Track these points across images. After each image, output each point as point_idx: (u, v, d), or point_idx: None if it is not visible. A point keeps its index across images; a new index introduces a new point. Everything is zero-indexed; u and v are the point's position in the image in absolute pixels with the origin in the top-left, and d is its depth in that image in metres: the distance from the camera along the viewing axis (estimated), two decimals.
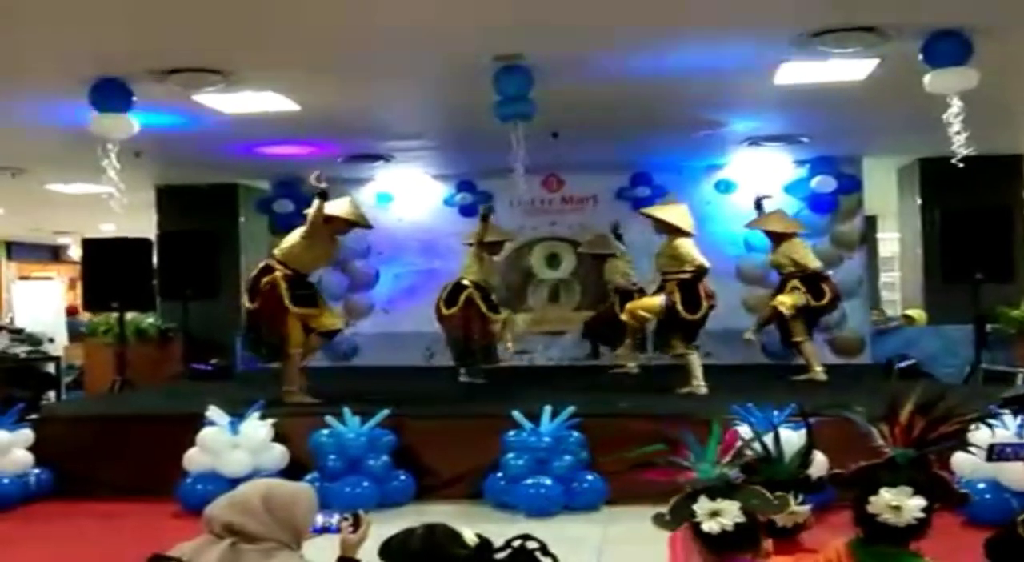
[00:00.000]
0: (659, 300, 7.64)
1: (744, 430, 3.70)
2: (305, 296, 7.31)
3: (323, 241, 7.38)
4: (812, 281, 8.43)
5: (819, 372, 8.42)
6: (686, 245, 7.61)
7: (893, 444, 2.70)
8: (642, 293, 8.86)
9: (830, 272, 9.00)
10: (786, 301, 8.36)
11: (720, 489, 2.51)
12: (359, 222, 7.59)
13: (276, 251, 7.44)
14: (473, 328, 8.35)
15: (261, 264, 7.46)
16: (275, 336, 7.24)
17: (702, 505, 2.47)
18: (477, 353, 8.45)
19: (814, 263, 8.58)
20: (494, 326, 8.47)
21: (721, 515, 2.45)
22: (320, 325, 7.46)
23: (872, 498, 2.52)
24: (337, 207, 7.42)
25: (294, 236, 7.36)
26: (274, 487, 2.71)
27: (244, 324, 7.78)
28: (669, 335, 7.70)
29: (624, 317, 7.97)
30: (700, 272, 7.55)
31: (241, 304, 7.79)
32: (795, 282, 8.41)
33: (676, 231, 7.66)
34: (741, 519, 2.46)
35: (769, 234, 8.76)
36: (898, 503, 2.49)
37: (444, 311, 8.43)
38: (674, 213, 7.82)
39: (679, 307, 7.48)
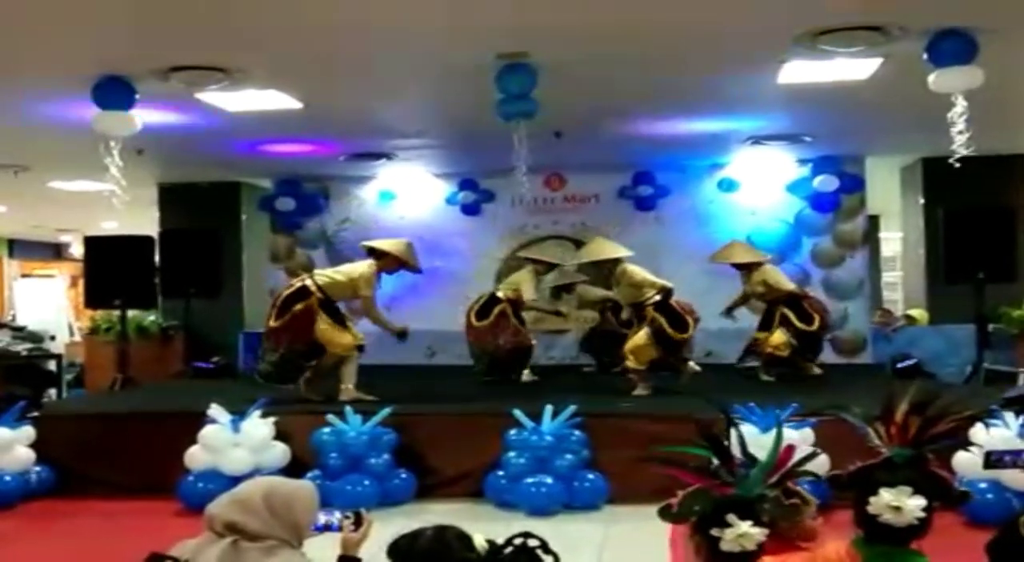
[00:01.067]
0: (644, 332, 7.50)
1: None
2: (336, 319, 7.32)
3: None
4: (796, 304, 8.42)
5: (810, 366, 8.47)
6: (634, 271, 7.66)
7: (890, 444, 2.69)
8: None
9: (831, 272, 8.98)
10: (778, 343, 8.31)
11: (752, 509, 2.49)
12: (410, 265, 7.66)
13: (319, 277, 7.40)
14: (502, 341, 8.41)
15: (297, 284, 7.36)
16: (293, 354, 7.22)
17: (732, 528, 2.43)
18: (506, 364, 8.50)
19: (788, 285, 8.56)
20: (524, 338, 8.53)
21: (744, 539, 2.43)
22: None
23: (872, 499, 2.51)
24: (392, 246, 7.59)
25: (344, 275, 7.37)
26: (275, 485, 2.71)
27: (265, 342, 7.61)
28: (666, 359, 7.60)
29: (630, 365, 7.56)
30: (666, 292, 7.52)
31: (266, 323, 7.56)
32: (782, 309, 8.38)
33: (614, 262, 7.76)
34: (762, 540, 2.46)
35: (737, 266, 8.71)
36: (898, 503, 2.48)
37: (475, 323, 8.48)
38: (600, 248, 8.00)
39: (668, 330, 7.42)
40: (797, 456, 2.84)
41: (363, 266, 7.43)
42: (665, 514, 2.57)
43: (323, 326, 7.15)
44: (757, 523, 2.45)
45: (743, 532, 2.42)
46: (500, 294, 8.50)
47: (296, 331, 7.15)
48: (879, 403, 2.81)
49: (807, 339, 8.42)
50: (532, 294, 8.52)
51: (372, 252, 7.55)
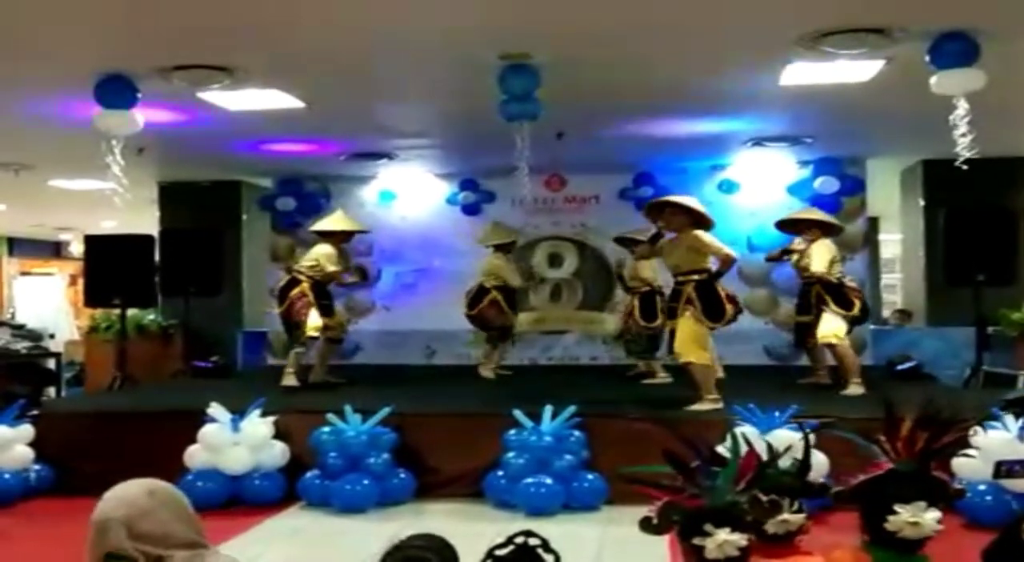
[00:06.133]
0: (688, 321, 6.67)
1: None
2: (325, 306, 8.10)
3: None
4: (833, 290, 7.60)
5: (857, 385, 7.47)
6: (704, 234, 6.76)
7: (897, 459, 2.68)
8: (663, 296, 8.47)
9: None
10: (827, 333, 7.55)
11: (727, 516, 2.49)
12: (355, 231, 8.60)
13: (298, 266, 8.28)
14: (491, 317, 8.87)
15: (288, 277, 8.25)
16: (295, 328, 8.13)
17: (713, 538, 2.44)
18: (509, 329, 9.05)
19: (819, 267, 7.57)
20: (508, 319, 8.98)
21: (726, 546, 2.44)
22: (331, 334, 8.38)
23: (890, 518, 2.52)
24: (330, 223, 8.48)
25: (313, 258, 8.20)
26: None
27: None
28: None
29: (690, 359, 6.69)
30: (717, 272, 6.68)
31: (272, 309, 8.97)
32: (818, 290, 7.63)
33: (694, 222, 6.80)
34: (745, 545, 2.46)
35: (799, 230, 8.02)
36: (916, 519, 2.49)
37: (468, 312, 8.92)
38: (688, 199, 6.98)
39: (703, 318, 6.64)
40: (792, 455, 2.84)
41: (321, 247, 8.29)
42: (646, 526, 2.58)
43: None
44: (736, 529, 2.46)
45: (724, 540, 2.44)
46: (487, 284, 8.76)
47: (294, 311, 8.04)
48: (881, 407, 2.80)
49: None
50: (517, 280, 8.96)
51: (320, 235, 8.44)
